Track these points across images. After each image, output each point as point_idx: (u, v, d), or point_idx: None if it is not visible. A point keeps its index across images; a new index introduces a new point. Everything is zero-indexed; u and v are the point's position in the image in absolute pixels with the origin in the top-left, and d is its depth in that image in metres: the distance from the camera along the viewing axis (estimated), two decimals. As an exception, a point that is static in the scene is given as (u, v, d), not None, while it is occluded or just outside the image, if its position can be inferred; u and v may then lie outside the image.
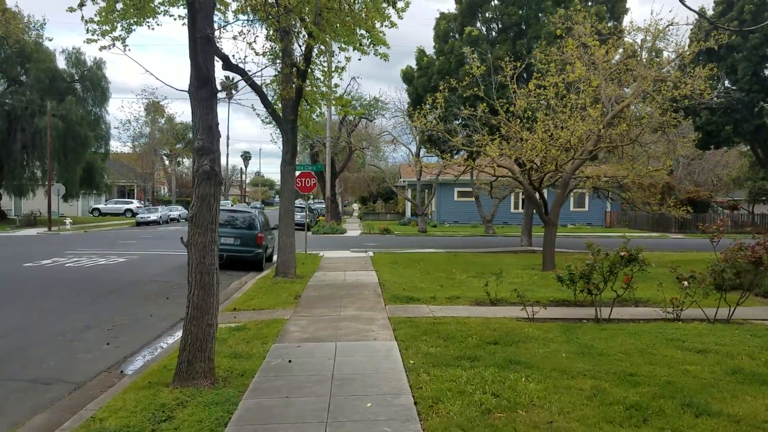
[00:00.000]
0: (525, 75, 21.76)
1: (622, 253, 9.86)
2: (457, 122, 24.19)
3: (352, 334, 8.95)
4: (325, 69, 15.30)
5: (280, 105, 15.85)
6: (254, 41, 14.39)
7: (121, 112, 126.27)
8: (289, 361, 7.45)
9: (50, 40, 44.09)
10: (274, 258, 20.02)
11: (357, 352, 7.87)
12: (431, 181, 41.48)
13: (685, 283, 10.14)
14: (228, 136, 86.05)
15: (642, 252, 9.88)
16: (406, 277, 15.37)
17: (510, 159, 17.40)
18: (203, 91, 6.68)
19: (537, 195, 17.43)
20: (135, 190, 71.97)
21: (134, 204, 60.55)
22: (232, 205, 53.15)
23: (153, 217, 49.71)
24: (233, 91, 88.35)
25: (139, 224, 47.62)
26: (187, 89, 6.78)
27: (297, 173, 22.68)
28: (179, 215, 53.39)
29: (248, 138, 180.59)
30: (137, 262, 19.55)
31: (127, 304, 12.26)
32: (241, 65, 14.10)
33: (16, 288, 14.20)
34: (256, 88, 14.68)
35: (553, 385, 6.43)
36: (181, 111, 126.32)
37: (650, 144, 19.91)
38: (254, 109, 24.66)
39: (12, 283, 14.90)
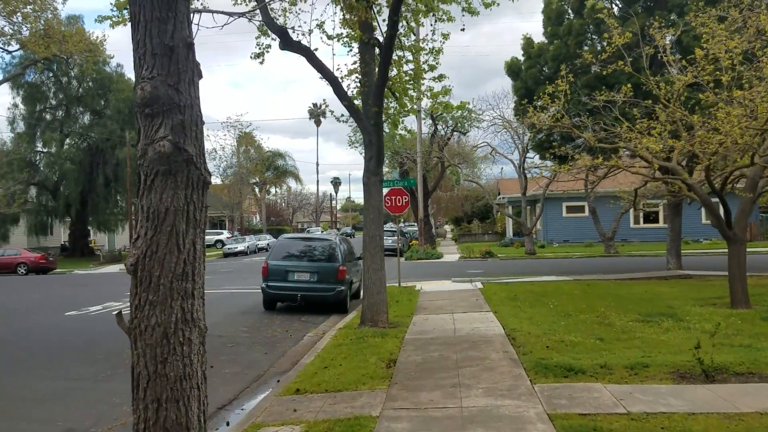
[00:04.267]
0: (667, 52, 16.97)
1: None
2: (578, 119, 19.52)
3: (496, 465, 4.76)
4: (413, 43, 11.40)
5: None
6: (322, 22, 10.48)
7: (207, 141, 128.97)
8: None
9: (109, 58, 42.33)
10: (362, 293, 16.30)
11: None
12: (537, 196, 36.61)
13: None
14: (317, 162, 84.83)
15: None
16: (542, 324, 10.96)
17: (674, 155, 12.67)
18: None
19: (718, 201, 12.55)
20: (226, 221, 71.31)
21: (224, 234, 59.30)
22: (322, 232, 50.55)
23: (240, 247, 47.85)
24: (321, 118, 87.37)
25: (226, 255, 45.81)
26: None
27: (385, 190, 18.88)
28: (267, 244, 51.28)
29: (338, 165, 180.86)
30: (200, 304, 16.26)
31: (154, 377, 8.67)
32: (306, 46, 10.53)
33: (28, 350, 11.05)
34: (327, 74, 11.00)
35: None
36: (267, 137, 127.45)
37: None
38: (326, 104, 21.37)
39: (28, 343, 11.81)
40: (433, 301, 15.06)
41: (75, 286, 24.82)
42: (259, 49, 11.35)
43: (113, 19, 9.48)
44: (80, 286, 24.58)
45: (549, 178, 29.85)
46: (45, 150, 44.05)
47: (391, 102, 12.90)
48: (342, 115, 12.62)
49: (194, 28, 3.67)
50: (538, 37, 22.29)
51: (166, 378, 2.73)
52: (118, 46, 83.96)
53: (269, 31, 10.81)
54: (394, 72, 12.23)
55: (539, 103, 16.95)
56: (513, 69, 22.22)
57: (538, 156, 25.48)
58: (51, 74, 43.07)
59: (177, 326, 2.75)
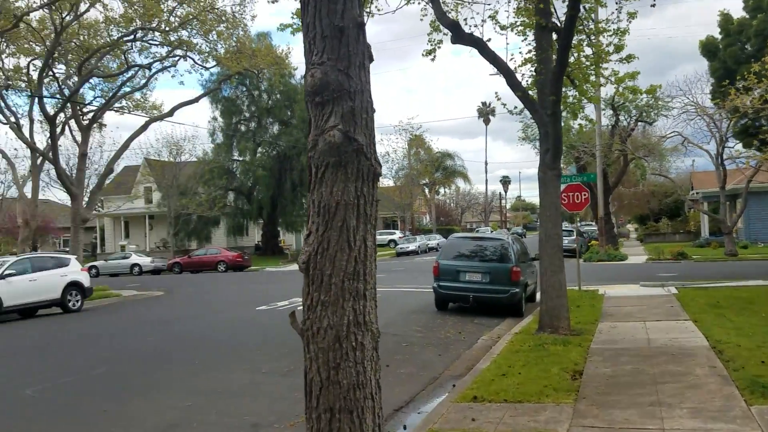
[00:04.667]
0: None
1: None
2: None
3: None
4: (594, 26, 10.49)
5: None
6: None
7: (380, 145, 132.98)
8: None
9: (293, 70, 44.14)
10: (538, 296, 15.59)
11: None
12: (738, 190, 32.54)
13: None
14: (486, 161, 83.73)
15: None
16: (754, 335, 9.47)
17: None
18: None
19: None
20: (398, 221, 73.21)
21: (396, 234, 60.84)
22: (491, 232, 49.81)
23: (411, 247, 48.82)
24: (490, 117, 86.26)
25: (399, 255, 47.01)
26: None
27: (562, 186, 17.86)
28: (437, 244, 51.70)
29: (507, 164, 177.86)
30: (375, 302, 16.57)
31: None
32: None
33: (224, 344, 11.95)
34: (500, 64, 10.55)
35: None
36: (436, 138, 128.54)
37: None
38: (498, 98, 20.14)
39: (224, 336, 12.80)
40: (620, 307, 13.85)
41: (266, 282, 26.82)
42: (431, 45, 11.25)
43: (294, 26, 9.88)
44: (270, 282, 26.50)
45: (755, 168, 26.34)
46: (240, 158, 48.52)
47: (569, 90, 12.07)
48: (515, 107, 12.04)
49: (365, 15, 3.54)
50: (737, 13, 19.63)
51: (339, 386, 2.52)
52: (302, 59, 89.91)
53: (441, 26, 10.64)
54: (572, 58, 11.41)
55: (742, 84, 14.98)
56: (709, 48, 19.86)
57: (741, 144, 22.55)
58: (244, 89, 47.33)
59: (349, 329, 2.54)
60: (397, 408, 7.11)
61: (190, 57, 26.04)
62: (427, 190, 73.61)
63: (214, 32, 24.65)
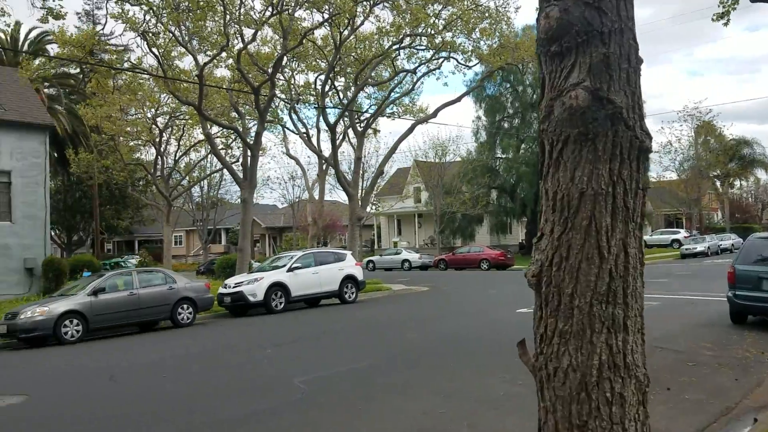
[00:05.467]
0: None
1: None
2: None
3: None
4: None
5: None
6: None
7: (661, 135, 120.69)
8: None
9: None
10: None
11: None
12: None
13: None
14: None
15: None
16: None
17: None
18: None
19: None
20: (683, 219, 65.64)
21: (681, 234, 54.57)
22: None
23: (699, 248, 43.32)
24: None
25: (684, 256, 42.27)
26: None
27: None
28: (732, 245, 44.91)
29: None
30: (653, 310, 14.63)
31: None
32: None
33: (486, 346, 11.57)
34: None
35: None
36: (729, 124, 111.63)
37: None
38: None
39: (487, 338, 12.43)
40: None
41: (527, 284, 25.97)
42: (723, 7, 9.37)
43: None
44: (532, 282, 25.60)
45: None
46: (503, 156, 48.50)
47: None
48: None
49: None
50: None
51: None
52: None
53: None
54: None
55: None
56: None
57: None
58: (508, 85, 47.11)
59: (601, 374, 1.76)
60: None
61: (453, 58, 26.48)
62: (718, 183, 64.63)
63: (477, 30, 24.65)
